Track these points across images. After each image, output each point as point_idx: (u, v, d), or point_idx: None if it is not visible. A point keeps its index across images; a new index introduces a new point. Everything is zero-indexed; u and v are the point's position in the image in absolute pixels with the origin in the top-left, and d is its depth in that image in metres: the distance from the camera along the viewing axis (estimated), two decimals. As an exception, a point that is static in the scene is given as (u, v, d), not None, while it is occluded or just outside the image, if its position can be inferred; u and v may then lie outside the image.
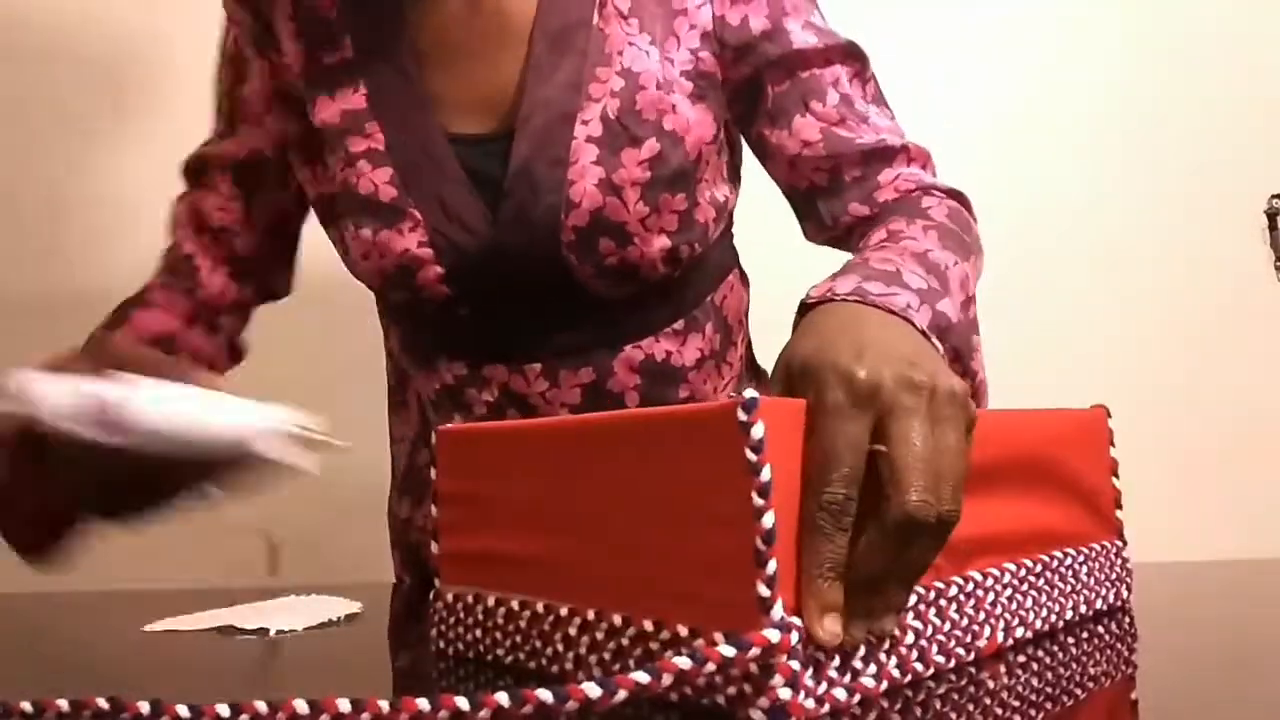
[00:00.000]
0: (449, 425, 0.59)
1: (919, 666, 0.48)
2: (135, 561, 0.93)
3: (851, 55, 0.84)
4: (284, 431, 0.53)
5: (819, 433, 0.45)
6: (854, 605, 0.44)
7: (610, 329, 0.83)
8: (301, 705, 0.43)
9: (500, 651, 0.54)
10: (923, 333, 0.56)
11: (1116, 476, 0.66)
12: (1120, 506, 0.66)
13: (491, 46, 0.81)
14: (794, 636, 0.42)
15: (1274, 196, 1.46)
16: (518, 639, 0.53)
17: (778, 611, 0.42)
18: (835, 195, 0.83)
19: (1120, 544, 0.65)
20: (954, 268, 0.68)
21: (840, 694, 0.44)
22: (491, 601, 0.55)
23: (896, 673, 0.47)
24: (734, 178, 0.91)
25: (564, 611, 0.50)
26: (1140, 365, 1.50)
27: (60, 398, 0.51)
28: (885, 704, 0.46)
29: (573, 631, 0.50)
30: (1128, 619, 0.63)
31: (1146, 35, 1.55)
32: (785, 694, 0.42)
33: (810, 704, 0.43)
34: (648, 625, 0.46)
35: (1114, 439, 0.66)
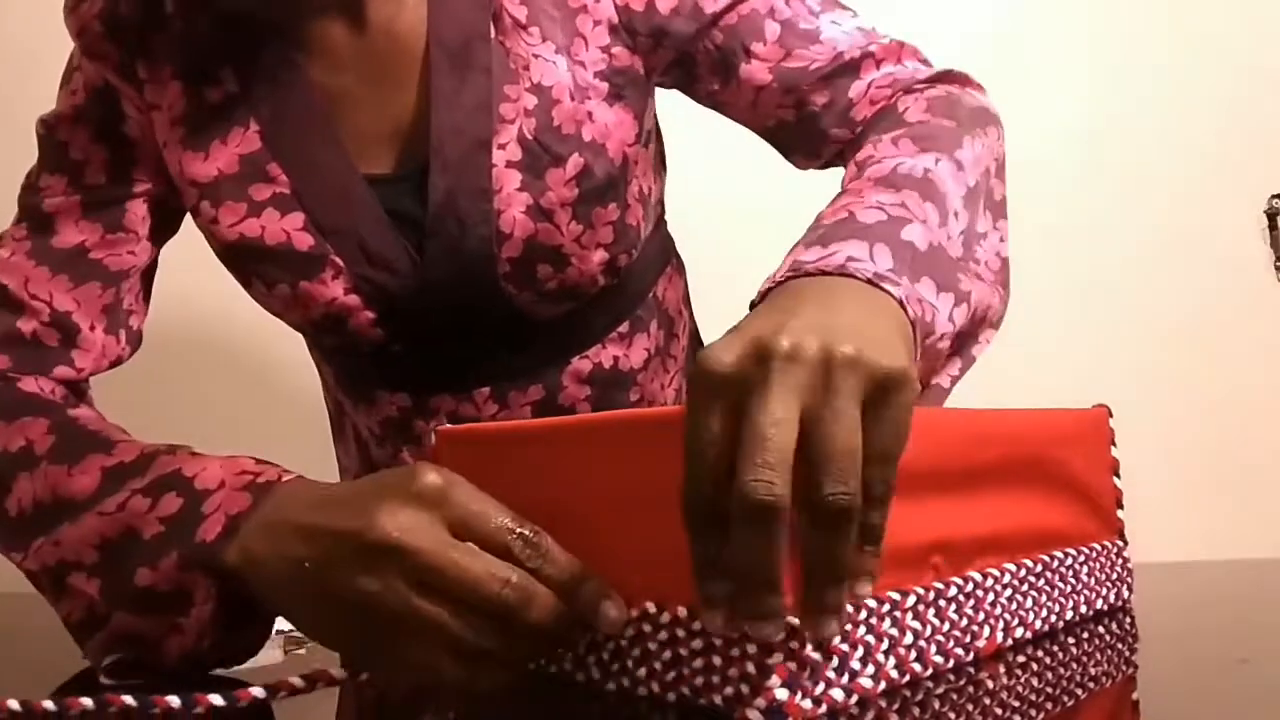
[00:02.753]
0: (448, 426, 0.59)
1: (917, 667, 0.48)
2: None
3: None
4: None
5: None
6: (737, 604, 0.40)
7: (555, 345, 0.80)
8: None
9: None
10: (869, 281, 0.49)
11: (1118, 476, 0.65)
12: (1121, 506, 0.65)
13: (387, 73, 0.75)
14: (781, 634, 0.41)
15: (1274, 196, 1.46)
16: (515, 639, 0.53)
17: (774, 612, 0.41)
18: (809, 126, 0.78)
19: (1121, 544, 0.65)
20: (936, 167, 0.62)
21: (838, 694, 0.44)
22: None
23: (895, 673, 0.47)
24: (660, 166, 0.88)
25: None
26: (1139, 365, 1.50)
27: None
28: (883, 704, 0.46)
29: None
30: (1129, 619, 0.63)
31: (1146, 35, 1.55)
32: (782, 695, 0.42)
33: (807, 704, 0.43)
34: (650, 607, 0.46)
35: (1115, 439, 0.66)
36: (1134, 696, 0.52)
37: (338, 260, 0.74)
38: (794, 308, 0.45)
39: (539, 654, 0.50)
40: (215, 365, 1.38)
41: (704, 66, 0.78)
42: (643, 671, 0.47)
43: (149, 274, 0.82)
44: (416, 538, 0.46)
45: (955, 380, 0.60)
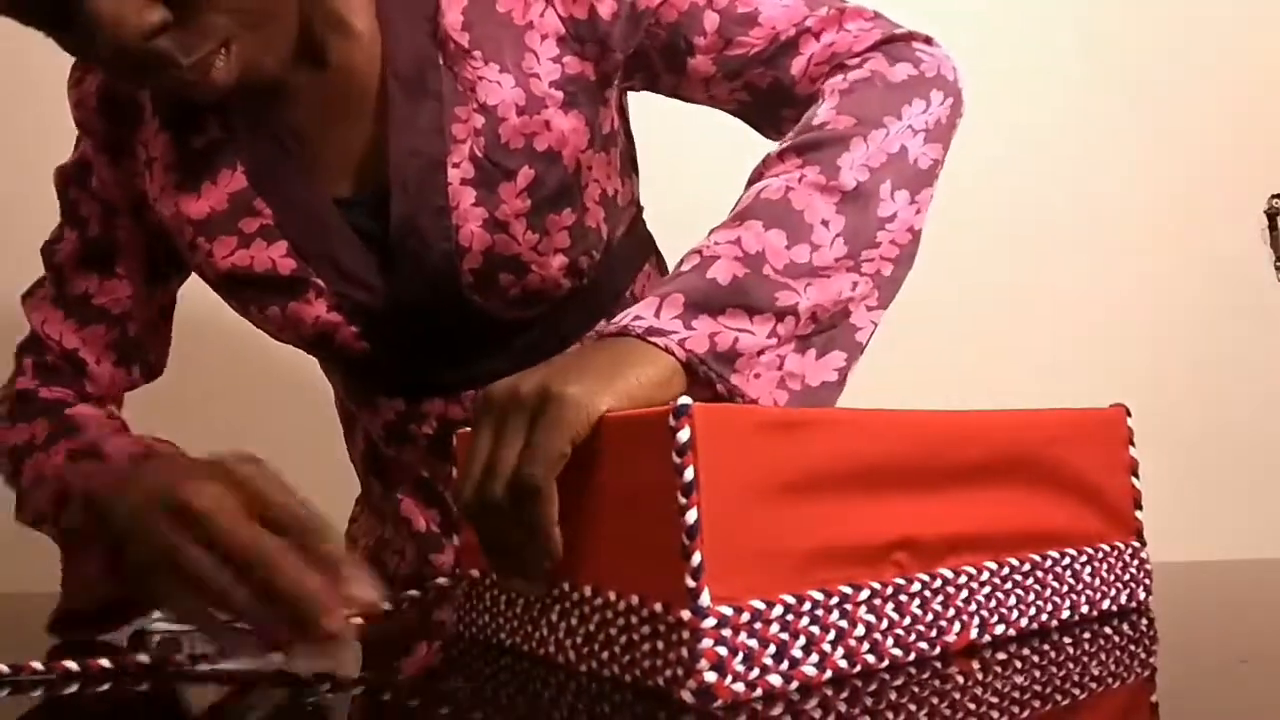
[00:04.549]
0: (467, 429, 0.65)
1: (870, 658, 0.50)
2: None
3: None
4: None
5: None
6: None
7: (532, 346, 0.83)
8: None
9: (503, 635, 0.60)
10: (640, 336, 0.59)
11: (1136, 476, 0.65)
12: (1140, 507, 0.65)
13: (349, 103, 0.81)
14: (712, 621, 0.45)
15: (1274, 196, 1.39)
16: (515, 624, 0.58)
17: (704, 599, 0.45)
18: (763, 107, 0.81)
19: (1138, 545, 0.64)
20: (800, 185, 0.66)
21: (775, 680, 0.47)
22: (496, 590, 0.60)
23: (844, 663, 0.49)
24: (628, 168, 0.90)
25: (547, 599, 0.55)
26: (1138, 365, 1.46)
27: None
28: (830, 692, 0.48)
29: (554, 617, 0.55)
30: (1144, 620, 0.62)
31: (1147, 35, 1.51)
32: (710, 677, 0.45)
33: (739, 688, 0.46)
34: (610, 595, 0.50)
35: (1133, 439, 0.65)
36: (1152, 699, 0.52)
37: (318, 281, 0.81)
38: (552, 362, 0.58)
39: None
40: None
41: (658, 65, 0.81)
42: (606, 655, 0.51)
43: (161, 312, 0.92)
44: (211, 504, 0.57)
45: (844, 370, 0.64)
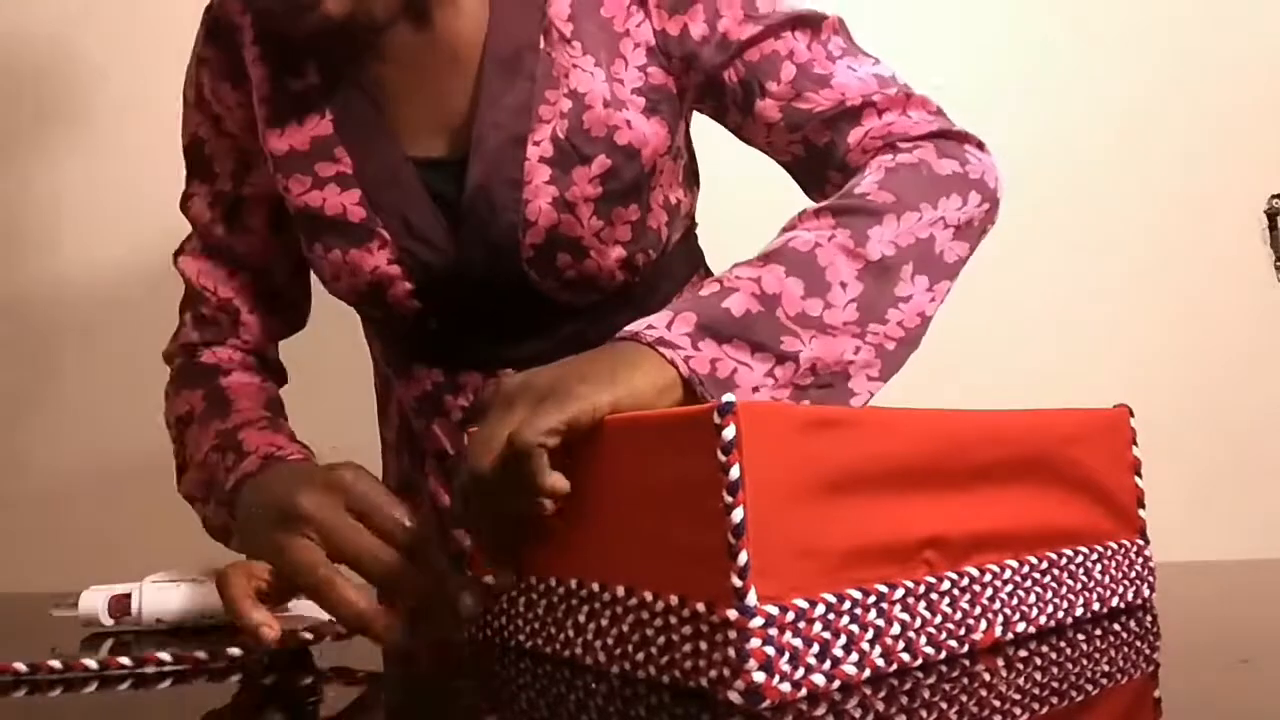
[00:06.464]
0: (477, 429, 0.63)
1: (906, 657, 0.51)
2: (124, 559, 0.94)
3: (801, 23, 0.82)
4: None
5: None
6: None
7: (579, 336, 0.83)
8: None
9: (521, 637, 0.59)
10: (651, 345, 0.60)
11: (1139, 476, 0.66)
12: (1143, 505, 0.66)
13: (444, 71, 0.84)
14: (759, 621, 0.44)
15: (1274, 196, 1.44)
16: (535, 625, 0.57)
17: (751, 599, 0.45)
18: (813, 165, 0.83)
19: (1142, 543, 0.65)
20: (828, 244, 0.68)
21: (819, 679, 0.47)
22: (514, 592, 0.59)
23: (881, 662, 0.49)
24: (690, 181, 0.93)
25: (574, 601, 0.54)
26: (1138, 366, 1.48)
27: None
28: (869, 691, 0.48)
29: (582, 618, 0.54)
30: (1150, 617, 0.63)
31: (1147, 35, 1.54)
32: (759, 677, 0.44)
33: (786, 687, 0.45)
34: (647, 595, 0.50)
35: (1136, 438, 0.66)
36: (1155, 694, 0.53)
37: (384, 233, 0.83)
38: (565, 361, 0.60)
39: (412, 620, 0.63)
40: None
41: (729, 98, 0.84)
42: (641, 656, 0.50)
43: (298, 263, 0.93)
44: (319, 511, 0.64)
45: None
